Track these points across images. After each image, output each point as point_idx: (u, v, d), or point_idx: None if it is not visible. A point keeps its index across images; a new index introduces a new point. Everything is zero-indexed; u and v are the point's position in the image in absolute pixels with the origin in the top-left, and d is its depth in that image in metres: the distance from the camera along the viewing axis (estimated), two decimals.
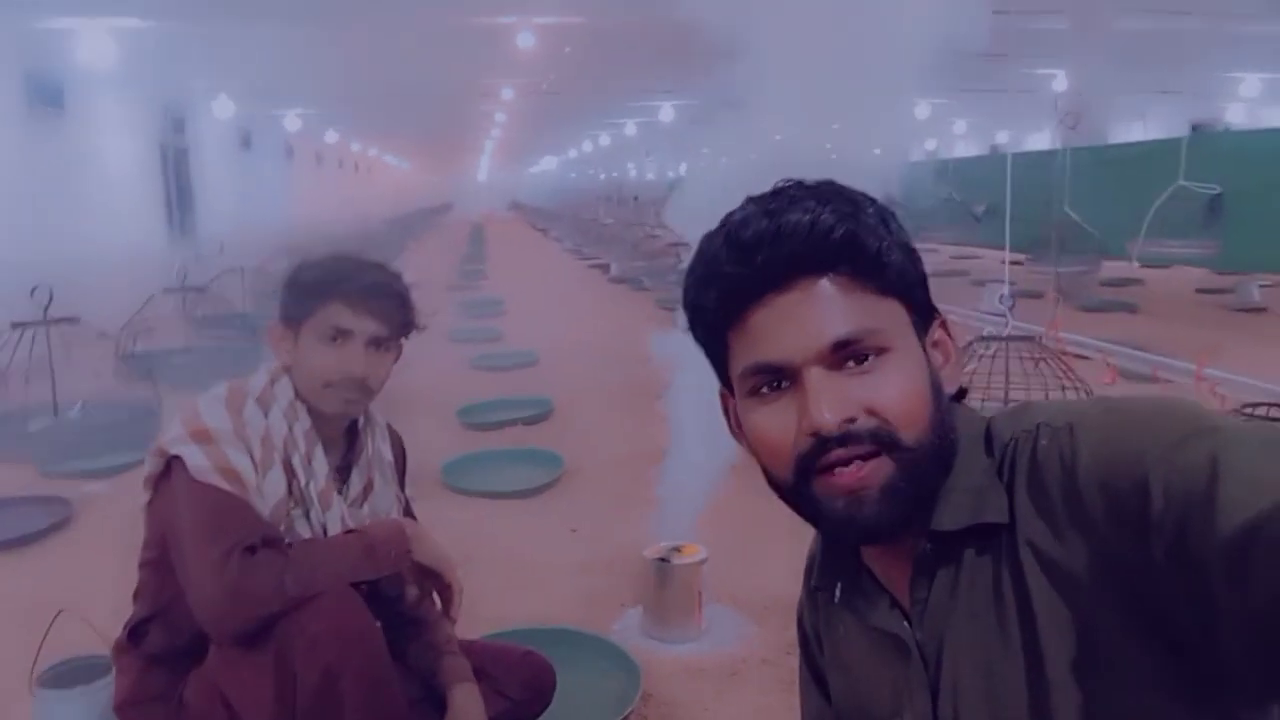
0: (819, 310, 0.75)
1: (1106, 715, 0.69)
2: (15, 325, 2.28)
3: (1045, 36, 9.57)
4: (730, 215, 0.80)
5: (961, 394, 0.86)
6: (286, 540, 1.45)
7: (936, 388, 0.79)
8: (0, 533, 3.21)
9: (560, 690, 1.86)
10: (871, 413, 0.75)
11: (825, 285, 0.76)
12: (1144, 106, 17.34)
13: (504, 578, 2.85)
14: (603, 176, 31.34)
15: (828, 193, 0.78)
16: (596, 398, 5.17)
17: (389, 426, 1.77)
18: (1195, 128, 16.30)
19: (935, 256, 12.73)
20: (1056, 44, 9.57)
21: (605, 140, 26.94)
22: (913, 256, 0.80)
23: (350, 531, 1.51)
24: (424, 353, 6.27)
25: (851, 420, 0.74)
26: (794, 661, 2.41)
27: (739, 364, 0.79)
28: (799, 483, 0.77)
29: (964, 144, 23.82)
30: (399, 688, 1.43)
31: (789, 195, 0.78)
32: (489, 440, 4.44)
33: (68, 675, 1.84)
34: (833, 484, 0.75)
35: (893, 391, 0.75)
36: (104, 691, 1.74)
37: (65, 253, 7.18)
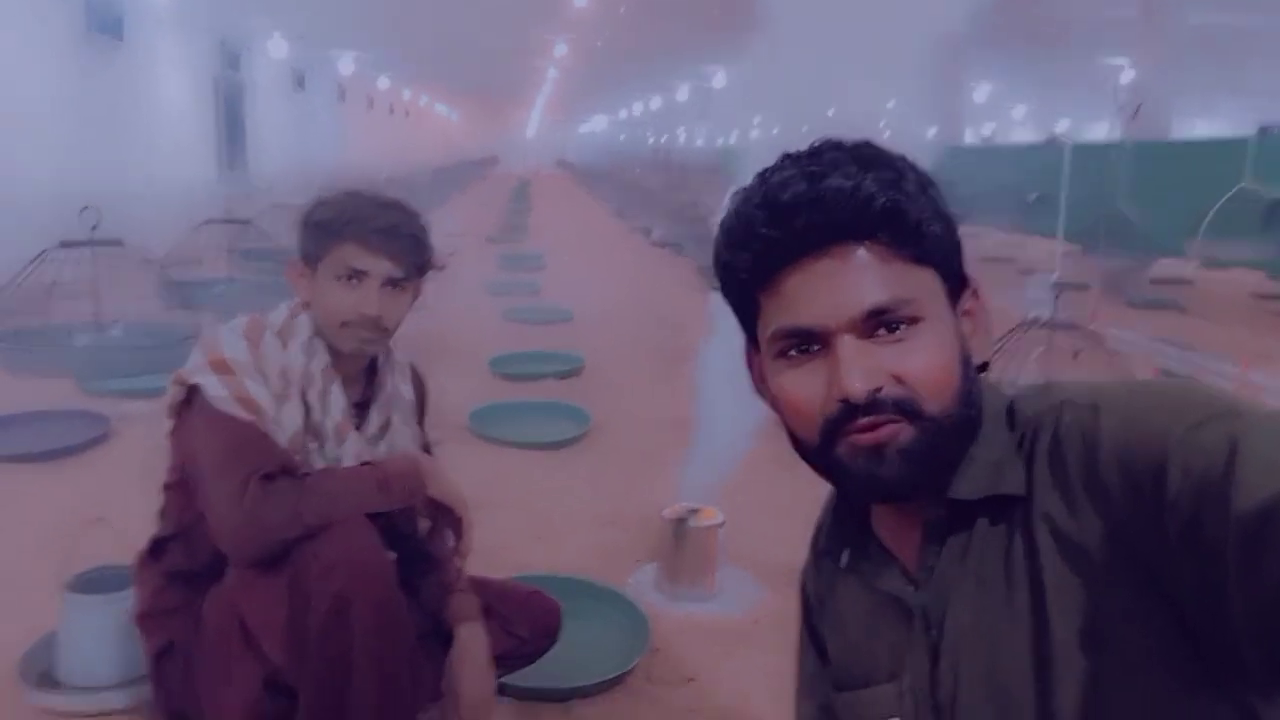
0: (855, 278, 0.75)
1: (1109, 692, 0.69)
2: (64, 244, 2.34)
3: (1112, 25, 9.33)
4: (767, 175, 0.78)
5: (983, 366, 0.85)
6: (303, 471, 1.48)
7: (965, 358, 0.79)
8: (41, 443, 3.32)
9: (571, 639, 1.88)
10: (899, 380, 0.75)
11: (862, 253, 0.75)
12: (1212, 104, 16.87)
13: (523, 526, 2.89)
14: (651, 140, 31.16)
15: (868, 157, 0.76)
16: (629, 358, 5.18)
17: (412, 366, 1.78)
18: (1264, 130, 15.81)
19: (982, 242, 12.55)
20: (1123, 33, 9.32)
21: (656, 103, 26.77)
22: (949, 225, 0.79)
23: (366, 464, 1.53)
24: (459, 302, 6.33)
25: (879, 389, 0.74)
26: None
27: (769, 325, 0.79)
28: (824, 445, 0.77)
29: (1022, 130, 23.37)
30: (407, 618, 1.46)
31: (828, 158, 0.76)
32: (519, 391, 4.48)
33: (96, 582, 1.90)
34: (855, 443, 0.76)
35: (922, 361, 0.75)
36: (126, 601, 1.80)
37: (116, 181, 7.31)
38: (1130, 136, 5.92)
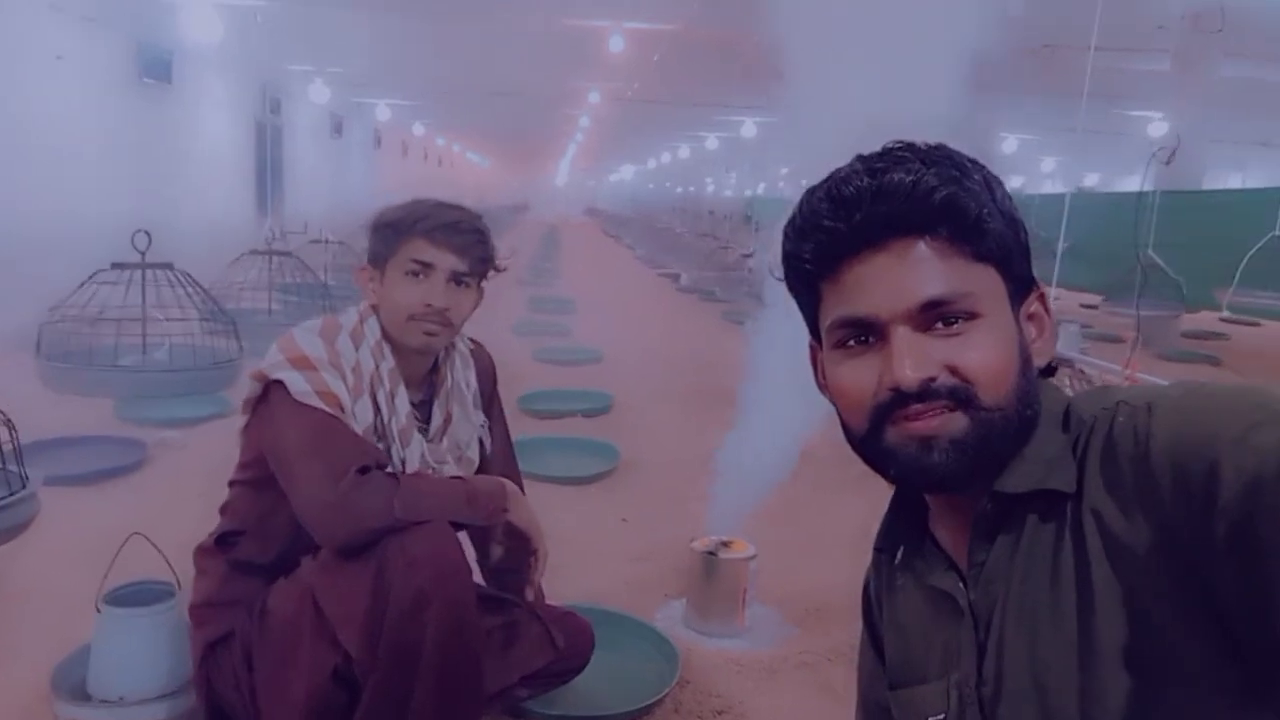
0: (913, 270, 0.76)
1: (1151, 691, 0.69)
2: (115, 265, 2.42)
3: (1145, 78, 9.36)
4: (836, 171, 0.80)
5: (1050, 371, 0.86)
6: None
7: (1026, 358, 0.80)
8: (79, 466, 3.35)
9: (599, 669, 1.88)
10: (954, 371, 0.75)
11: (921, 246, 0.76)
12: (1244, 158, 16.82)
13: (552, 559, 2.83)
14: (679, 190, 31.44)
15: (935, 155, 0.78)
16: (657, 399, 5.18)
17: (473, 347, 1.82)
18: None
19: None
20: (1156, 86, 9.34)
21: (685, 153, 27.03)
22: (1015, 226, 0.80)
23: (457, 477, 1.58)
24: (490, 342, 6.38)
25: (932, 379, 0.75)
26: (833, 668, 2.38)
27: (829, 316, 0.81)
28: (872, 432, 0.78)
29: (1050, 183, 23.36)
30: (480, 625, 1.48)
31: (896, 155, 0.78)
32: (548, 428, 4.49)
33: (129, 597, 1.92)
34: (906, 429, 0.77)
35: (978, 355, 0.76)
36: (161, 615, 1.84)
37: (164, 216, 7.50)
38: (1162, 186, 5.90)
